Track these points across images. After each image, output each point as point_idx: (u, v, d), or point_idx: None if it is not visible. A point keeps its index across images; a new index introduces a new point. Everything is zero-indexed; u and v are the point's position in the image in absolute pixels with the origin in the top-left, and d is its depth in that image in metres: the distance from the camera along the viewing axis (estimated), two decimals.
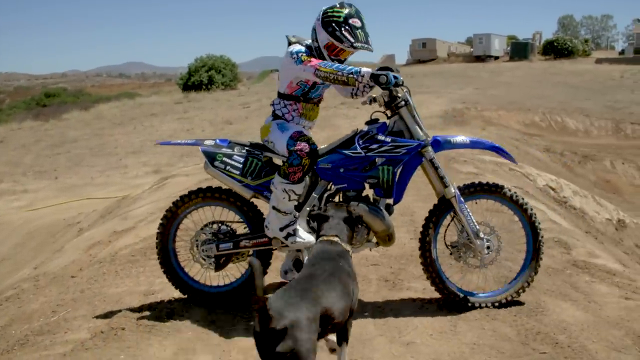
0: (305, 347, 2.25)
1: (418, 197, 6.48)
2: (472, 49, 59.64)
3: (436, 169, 3.88)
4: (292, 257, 4.10)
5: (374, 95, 4.03)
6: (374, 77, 3.56)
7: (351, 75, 3.53)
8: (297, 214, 3.90)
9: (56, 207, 10.97)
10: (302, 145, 3.74)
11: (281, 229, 3.84)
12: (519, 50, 53.38)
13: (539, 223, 3.99)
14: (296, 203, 3.87)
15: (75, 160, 16.67)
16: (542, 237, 3.99)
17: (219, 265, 4.06)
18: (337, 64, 3.64)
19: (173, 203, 4.08)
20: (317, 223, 3.17)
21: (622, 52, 60.55)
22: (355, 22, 3.73)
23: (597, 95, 26.78)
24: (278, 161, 4.01)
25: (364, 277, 4.48)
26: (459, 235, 3.97)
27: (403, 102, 3.84)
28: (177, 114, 24.56)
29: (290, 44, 3.89)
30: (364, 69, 3.58)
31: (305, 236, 3.85)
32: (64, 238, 8.16)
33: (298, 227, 3.86)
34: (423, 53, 59.88)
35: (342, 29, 3.70)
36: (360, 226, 3.71)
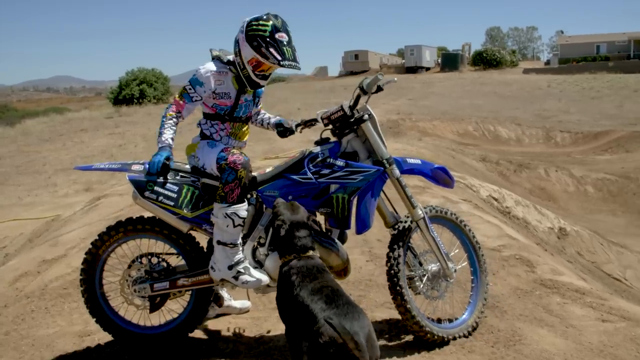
0: None
1: None
2: (403, 61, 60.93)
3: (404, 188, 3.56)
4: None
5: (310, 119, 3.73)
6: None
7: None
8: (244, 247, 3.53)
9: None
10: (235, 157, 3.42)
11: (230, 267, 3.45)
12: (449, 61, 54.84)
13: (477, 239, 3.90)
14: (241, 229, 3.48)
15: (0, 179, 15.76)
16: (482, 253, 3.90)
17: (155, 306, 3.65)
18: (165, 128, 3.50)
19: (92, 244, 3.61)
20: (286, 232, 2.87)
21: (547, 63, 63.01)
22: (282, 37, 3.39)
23: (526, 104, 27.68)
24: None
25: None
26: (413, 265, 3.65)
27: (367, 115, 3.50)
28: (108, 129, 23.73)
29: (212, 58, 3.62)
30: (167, 142, 3.46)
31: (257, 274, 3.47)
32: None
33: (248, 264, 3.50)
34: (355, 65, 60.70)
35: (268, 45, 3.36)
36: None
